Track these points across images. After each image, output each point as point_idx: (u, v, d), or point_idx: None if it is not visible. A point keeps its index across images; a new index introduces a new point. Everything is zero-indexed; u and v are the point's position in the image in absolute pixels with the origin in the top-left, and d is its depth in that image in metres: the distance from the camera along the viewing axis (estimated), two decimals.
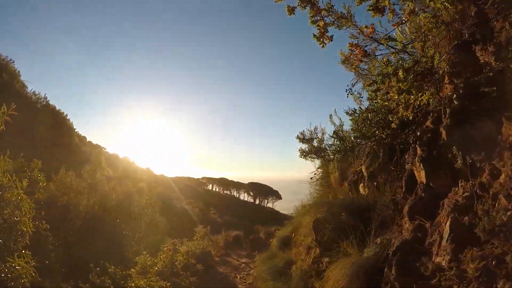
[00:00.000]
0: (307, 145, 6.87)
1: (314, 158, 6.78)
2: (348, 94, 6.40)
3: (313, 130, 6.77)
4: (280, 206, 68.39)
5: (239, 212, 48.44)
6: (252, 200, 64.68)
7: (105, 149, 43.20)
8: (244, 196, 65.86)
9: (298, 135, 6.94)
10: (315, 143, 6.69)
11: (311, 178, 6.79)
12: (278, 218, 49.95)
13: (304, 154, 6.82)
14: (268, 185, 66.53)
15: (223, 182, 66.33)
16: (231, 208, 50.05)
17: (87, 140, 40.76)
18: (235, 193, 65.78)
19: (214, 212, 41.07)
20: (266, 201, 64.52)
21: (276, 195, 64.90)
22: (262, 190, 64.69)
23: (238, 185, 65.90)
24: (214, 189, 64.81)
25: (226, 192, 64.99)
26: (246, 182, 67.26)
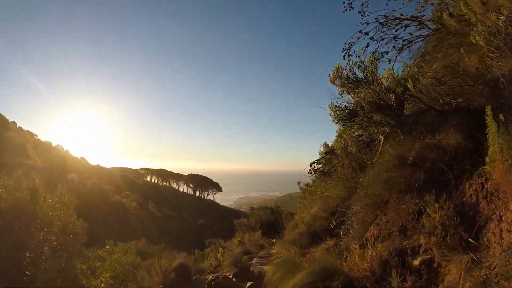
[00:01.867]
0: (355, 93, 3.19)
1: (365, 122, 3.07)
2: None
3: (368, 65, 3.05)
4: (220, 198, 66.73)
5: (179, 204, 45.44)
6: (192, 192, 61.83)
7: (36, 136, 36.62)
8: (183, 188, 62.61)
9: (336, 71, 3.30)
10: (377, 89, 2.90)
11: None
12: (220, 212, 48.27)
13: (348, 116, 3.07)
14: (208, 176, 64.28)
15: (162, 174, 62.06)
16: (170, 200, 46.75)
17: (17, 126, 33.97)
18: (174, 185, 62.12)
19: (152, 206, 37.58)
20: (206, 193, 62.18)
21: (216, 187, 62.99)
22: (202, 182, 62.20)
23: (177, 177, 62.38)
24: (153, 181, 60.26)
25: (165, 183, 60.92)
26: (185, 173, 64.02)
